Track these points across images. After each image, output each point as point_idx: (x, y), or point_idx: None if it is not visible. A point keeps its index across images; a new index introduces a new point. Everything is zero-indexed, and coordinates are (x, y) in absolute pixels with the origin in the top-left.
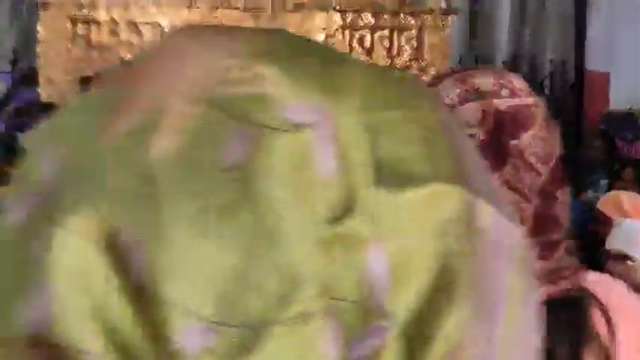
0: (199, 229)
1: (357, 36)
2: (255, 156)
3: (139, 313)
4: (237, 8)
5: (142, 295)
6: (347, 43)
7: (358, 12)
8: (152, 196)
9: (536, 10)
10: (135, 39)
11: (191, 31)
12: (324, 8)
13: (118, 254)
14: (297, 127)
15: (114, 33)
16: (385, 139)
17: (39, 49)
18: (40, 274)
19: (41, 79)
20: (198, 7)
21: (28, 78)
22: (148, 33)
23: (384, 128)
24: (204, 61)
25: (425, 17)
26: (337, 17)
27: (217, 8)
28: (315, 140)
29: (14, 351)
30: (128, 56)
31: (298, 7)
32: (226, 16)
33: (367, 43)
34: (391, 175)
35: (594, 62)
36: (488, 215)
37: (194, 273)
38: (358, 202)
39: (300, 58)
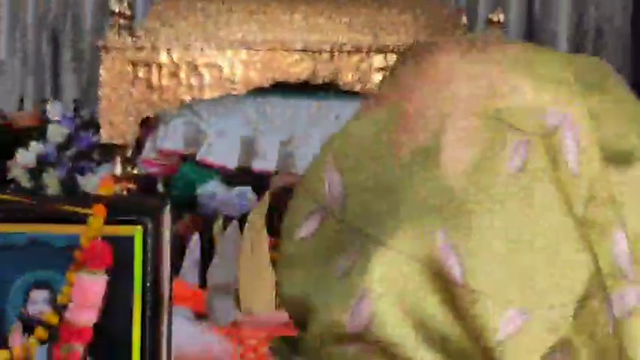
0: (503, 231)
1: None
2: (530, 160)
3: (451, 307)
4: (295, 50)
5: (455, 293)
6: None
7: None
8: (456, 205)
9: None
10: (195, 80)
11: (447, 42)
12: (382, 50)
13: (433, 262)
14: (552, 128)
15: (174, 75)
16: (602, 120)
17: (100, 92)
18: (359, 284)
19: (102, 121)
20: (257, 50)
21: (88, 124)
22: (207, 74)
23: (599, 110)
24: (471, 78)
25: None
26: (395, 59)
27: (276, 51)
28: (564, 139)
29: (340, 344)
30: (188, 98)
31: (356, 49)
32: (285, 58)
33: None
34: (616, 153)
35: None
36: None
37: (504, 268)
38: (599, 187)
39: (540, 66)
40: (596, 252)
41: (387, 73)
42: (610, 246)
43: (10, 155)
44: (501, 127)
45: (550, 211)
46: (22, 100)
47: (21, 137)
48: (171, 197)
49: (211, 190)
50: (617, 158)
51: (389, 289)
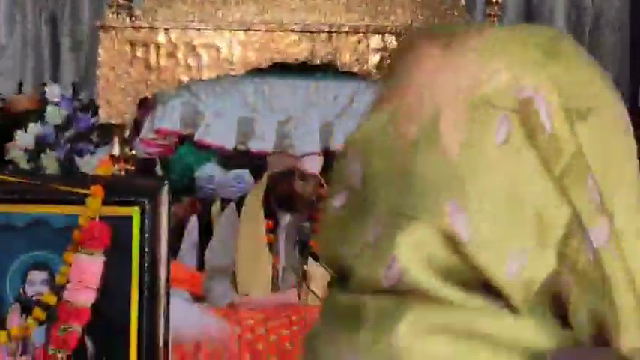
0: (497, 199)
1: None
2: (512, 133)
3: (462, 258)
4: (293, 31)
5: (464, 250)
6: None
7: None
8: (458, 180)
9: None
10: (193, 61)
11: (429, 37)
12: (379, 31)
13: (445, 228)
14: (527, 100)
15: (172, 55)
16: (564, 83)
17: (99, 71)
18: (389, 250)
19: (100, 101)
20: (256, 30)
21: (87, 107)
22: (205, 55)
23: (561, 75)
24: (456, 69)
25: None
26: (392, 40)
27: (274, 32)
28: (537, 106)
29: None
30: (186, 78)
31: (354, 30)
32: (283, 39)
33: None
34: (577, 111)
35: None
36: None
37: (500, 229)
38: (569, 142)
39: (511, 46)
40: (573, 199)
41: (387, 68)
42: (584, 190)
43: (10, 138)
44: (486, 108)
45: (531, 178)
46: (21, 84)
47: (20, 120)
48: (170, 181)
49: (209, 173)
50: (578, 115)
51: (413, 251)
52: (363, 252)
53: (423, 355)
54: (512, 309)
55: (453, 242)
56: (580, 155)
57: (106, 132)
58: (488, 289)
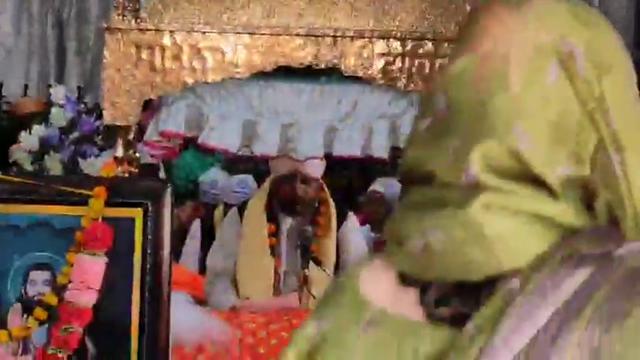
0: (546, 121)
1: (416, 64)
2: (559, 76)
3: (522, 167)
4: (298, 35)
5: (524, 161)
6: (406, 70)
7: (418, 39)
8: (520, 108)
9: None
10: (198, 63)
11: (500, 1)
12: (384, 35)
13: (512, 143)
14: (568, 53)
15: (177, 58)
16: (592, 45)
17: (104, 73)
18: (465, 162)
19: (105, 103)
20: (261, 34)
21: (91, 110)
22: (210, 57)
23: (591, 39)
24: (523, 25)
25: None
26: (397, 45)
27: (279, 35)
28: (575, 60)
29: None
30: (191, 81)
31: (359, 35)
32: (288, 42)
33: (427, 71)
34: (603, 68)
35: None
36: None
37: (549, 147)
38: (597, 89)
39: (553, 12)
40: (600, 129)
41: (467, 24)
42: (609, 124)
43: (15, 141)
44: (543, 55)
45: (572, 110)
46: (26, 87)
47: (25, 123)
48: (174, 185)
49: (212, 177)
50: (603, 69)
51: (484, 161)
52: (444, 163)
53: (492, 227)
54: (554, 197)
55: (515, 155)
56: (603, 99)
57: (111, 135)
58: (537, 183)
